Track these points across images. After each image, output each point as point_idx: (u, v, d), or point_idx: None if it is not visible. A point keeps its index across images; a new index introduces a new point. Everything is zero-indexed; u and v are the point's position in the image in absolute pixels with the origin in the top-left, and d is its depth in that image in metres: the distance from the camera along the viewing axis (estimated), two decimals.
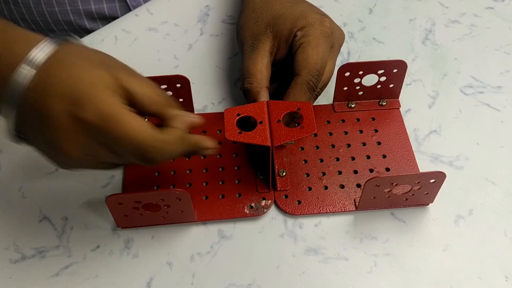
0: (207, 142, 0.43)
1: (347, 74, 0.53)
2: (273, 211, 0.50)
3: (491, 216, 0.50)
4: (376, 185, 0.46)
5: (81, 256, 0.48)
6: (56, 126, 0.39)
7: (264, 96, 0.51)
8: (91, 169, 0.43)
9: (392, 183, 0.46)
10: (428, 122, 0.56)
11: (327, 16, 0.53)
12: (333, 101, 0.57)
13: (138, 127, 0.39)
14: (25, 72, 0.38)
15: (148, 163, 0.41)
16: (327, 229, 0.49)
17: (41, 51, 0.39)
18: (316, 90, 0.51)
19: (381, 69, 0.53)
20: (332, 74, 0.54)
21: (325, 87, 0.54)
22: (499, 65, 0.61)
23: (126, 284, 0.46)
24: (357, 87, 0.55)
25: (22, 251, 0.48)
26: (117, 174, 0.52)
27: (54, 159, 0.42)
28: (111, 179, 0.52)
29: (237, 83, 0.60)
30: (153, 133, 0.40)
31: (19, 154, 0.54)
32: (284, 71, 0.53)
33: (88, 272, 0.47)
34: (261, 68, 0.51)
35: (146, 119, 0.41)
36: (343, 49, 0.62)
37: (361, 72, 0.53)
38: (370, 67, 0.53)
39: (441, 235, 0.49)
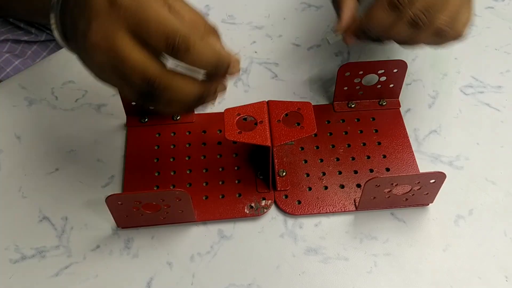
0: (235, 58, 0.41)
1: (347, 74, 0.53)
2: (273, 211, 0.50)
3: (491, 216, 0.50)
4: (376, 185, 0.46)
5: (81, 256, 0.48)
6: (91, 8, 0.39)
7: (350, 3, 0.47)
8: (111, 76, 0.41)
9: (392, 183, 0.46)
10: (428, 122, 0.56)
11: None
12: (333, 100, 0.57)
13: (174, 18, 0.38)
14: None
15: (164, 75, 0.39)
16: (327, 229, 0.49)
17: None
18: (403, 11, 0.43)
19: (381, 69, 0.53)
20: (464, 25, 0.46)
21: (446, 38, 0.45)
22: (499, 65, 0.61)
23: (126, 284, 0.46)
24: (357, 87, 0.55)
25: (22, 251, 0.48)
26: (117, 174, 0.52)
27: (80, 44, 0.41)
28: (111, 179, 0.52)
29: (237, 83, 0.60)
30: (189, 27, 0.38)
31: (19, 154, 0.54)
32: None
33: (88, 272, 0.47)
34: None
35: None
36: (343, 49, 0.62)
37: (361, 72, 0.53)
38: (370, 67, 0.53)
39: (441, 235, 0.49)
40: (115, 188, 0.52)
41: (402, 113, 0.56)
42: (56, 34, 0.43)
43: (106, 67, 0.40)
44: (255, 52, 0.62)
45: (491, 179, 0.52)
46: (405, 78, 0.54)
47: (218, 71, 0.40)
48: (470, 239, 0.48)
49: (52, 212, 0.50)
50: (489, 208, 0.50)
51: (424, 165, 0.53)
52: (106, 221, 0.49)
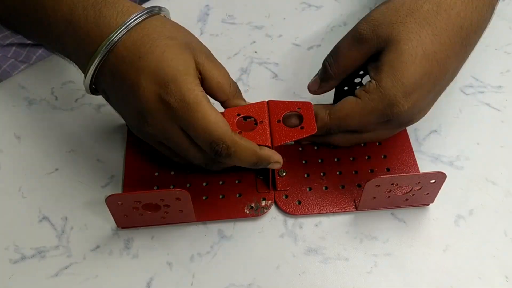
0: (277, 157, 0.45)
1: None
2: (273, 211, 0.50)
3: (491, 216, 0.50)
4: (377, 185, 0.46)
5: (81, 256, 0.48)
6: (142, 100, 0.42)
7: (330, 85, 0.49)
8: (155, 146, 0.47)
9: (393, 184, 0.46)
10: (428, 122, 0.56)
11: (411, 106, 0.45)
12: (333, 101, 0.57)
13: (218, 122, 0.42)
14: (119, 35, 0.42)
15: (214, 162, 0.46)
16: (327, 229, 0.49)
17: (135, 19, 0.43)
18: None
19: None
20: (375, 140, 0.52)
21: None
22: (500, 65, 0.61)
23: (126, 284, 0.46)
24: (357, 87, 0.55)
25: (21, 251, 0.48)
26: (117, 174, 0.52)
27: (129, 121, 0.47)
28: (111, 179, 0.52)
29: (237, 83, 0.59)
30: (231, 133, 0.43)
31: (19, 154, 0.54)
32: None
33: (88, 272, 0.47)
34: (350, 58, 0.47)
35: None
36: None
37: (361, 72, 0.53)
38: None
39: (441, 235, 0.49)
40: (115, 188, 0.52)
41: None
42: (86, 81, 0.45)
43: (159, 145, 0.47)
44: (255, 52, 0.62)
45: (491, 179, 0.52)
46: None
47: (259, 167, 0.45)
48: (470, 239, 0.48)
49: (52, 212, 0.50)
50: (489, 208, 0.50)
51: (425, 165, 0.53)
52: (106, 221, 0.49)
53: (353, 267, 0.47)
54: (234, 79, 0.60)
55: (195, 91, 0.42)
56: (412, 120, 0.48)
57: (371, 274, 0.47)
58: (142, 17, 0.43)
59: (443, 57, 0.45)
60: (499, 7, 0.67)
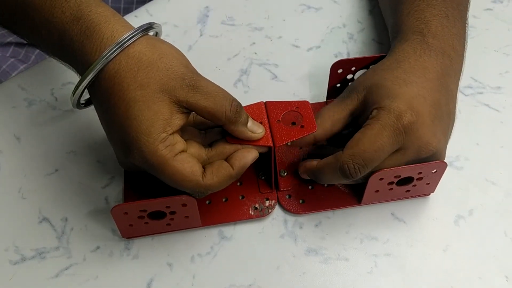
0: (251, 156, 0.45)
1: (340, 71, 0.53)
2: (273, 212, 0.50)
3: (491, 216, 0.50)
4: (380, 178, 0.46)
5: (81, 257, 0.48)
6: (115, 147, 0.45)
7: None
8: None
9: (396, 176, 0.46)
10: None
11: (419, 118, 0.44)
12: (327, 98, 0.57)
13: (186, 177, 0.42)
14: (92, 77, 0.42)
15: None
16: (327, 230, 0.49)
17: (109, 55, 0.41)
18: (351, 178, 0.44)
19: (372, 64, 0.53)
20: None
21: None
22: (498, 66, 0.61)
23: (126, 285, 0.46)
24: (350, 83, 0.55)
25: (22, 252, 0.48)
26: (117, 175, 0.52)
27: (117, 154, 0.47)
28: (111, 180, 0.52)
29: (237, 84, 0.60)
30: (202, 180, 0.43)
31: (19, 155, 0.54)
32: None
33: (88, 273, 0.47)
34: (332, 120, 0.48)
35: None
36: (343, 50, 0.62)
37: (353, 68, 0.53)
38: (362, 62, 0.53)
39: (441, 235, 0.49)
40: (115, 189, 0.51)
41: None
42: (73, 96, 0.45)
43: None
44: (255, 53, 0.62)
45: (491, 179, 0.52)
46: None
47: None
48: (470, 239, 0.48)
49: (52, 213, 0.50)
50: (489, 208, 0.50)
51: None
52: (106, 222, 0.49)
53: (353, 267, 0.47)
54: (234, 81, 0.60)
55: (157, 152, 0.41)
56: (422, 145, 0.45)
57: (371, 274, 0.47)
58: (116, 52, 0.41)
59: (426, 87, 0.46)
60: (498, 9, 0.67)
